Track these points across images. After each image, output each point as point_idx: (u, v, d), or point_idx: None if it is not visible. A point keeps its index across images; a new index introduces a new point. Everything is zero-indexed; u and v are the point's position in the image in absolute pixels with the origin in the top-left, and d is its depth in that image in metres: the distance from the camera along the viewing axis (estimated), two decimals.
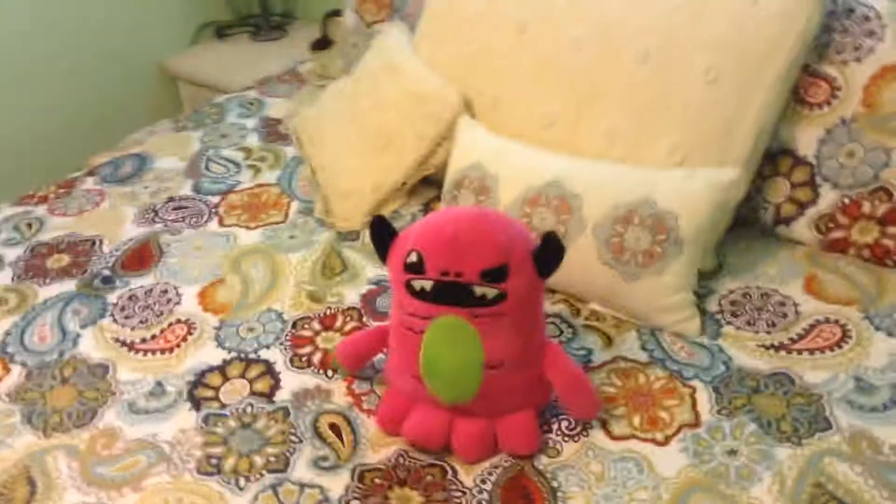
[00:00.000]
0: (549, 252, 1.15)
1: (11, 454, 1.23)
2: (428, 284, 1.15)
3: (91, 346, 1.43)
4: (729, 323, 1.39)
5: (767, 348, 1.33)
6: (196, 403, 1.30)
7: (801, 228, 1.55)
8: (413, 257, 1.16)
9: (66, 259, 1.66)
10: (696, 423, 1.20)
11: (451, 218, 1.20)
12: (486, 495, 1.12)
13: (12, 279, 1.61)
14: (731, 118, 1.48)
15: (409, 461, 1.18)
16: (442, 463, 1.18)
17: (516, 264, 1.14)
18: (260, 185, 1.89)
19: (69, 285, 1.59)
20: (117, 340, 1.44)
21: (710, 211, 1.39)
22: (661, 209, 1.38)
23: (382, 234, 1.23)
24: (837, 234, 1.52)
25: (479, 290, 1.13)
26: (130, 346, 1.43)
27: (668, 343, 1.36)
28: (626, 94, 1.57)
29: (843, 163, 1.50)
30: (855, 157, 1.49)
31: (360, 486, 1.15)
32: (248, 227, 1.75)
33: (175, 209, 1.82)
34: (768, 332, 1.36)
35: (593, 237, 1.41)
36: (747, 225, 1.60)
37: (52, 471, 1.19)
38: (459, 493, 1.13)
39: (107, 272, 1.62)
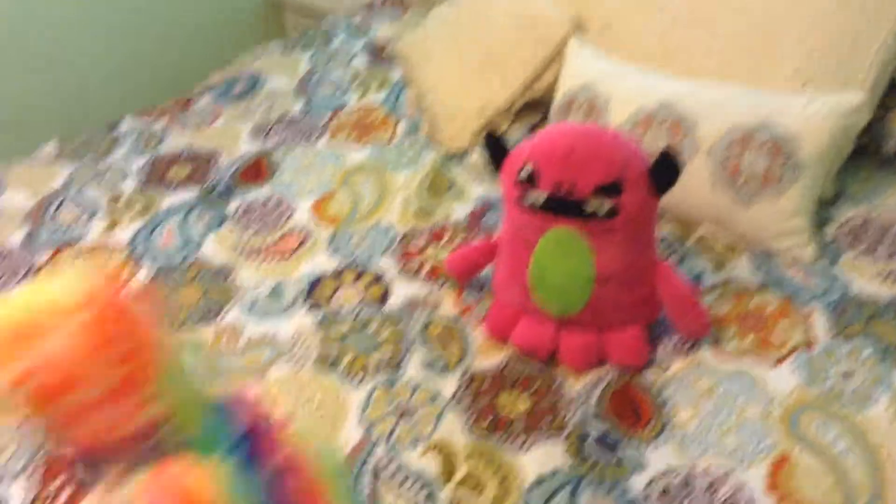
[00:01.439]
0: (666, 168, 1.14)
1: None
2: (541, 198, 1.16)
3: (213, 251, 1.50)
4: (848, 250, 1.36)
5: (886, 277, 1.29)
6: (312, 306, 1.35)
7: None
8: (527, 170, 1.17)
9: (186, 170, 1.74)
10: (810, 345, 1.18)
11: (566, 132, 1.20)
12: (592, 404, 1.14)
13: (137, 187, 1.70)
14: (860, 42, 1.42)
15: (517, 368, 1.21)
16: (549, 371, 1.20)
17: (631, 180, 1.13)
18: (367, 106, 1.92)
19: (190, 194, 1.66)
20: (237, 247, 1.51)
21: (832, 136, 1.34)
22: (781, 133, 1.34)
23: (495, 148, 1.24)
24: None
25: (591, 205, 1.13)
26: (249, 253, 1.49)
27: (783, 267, 1.34)
28: (746, 14, 1.52)
29: None
30: None
31: (470, 388, 1.18)
32: (356, 146, 1.78)
33: (286, 127, 1.87)
34: (888, 260, 1.32)
35: (708, 159, 1.39)
36: (868, 153, 1.54)
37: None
38: (566, 401, 1.15)
39: (225, 184, 1.68)
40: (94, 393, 0.63)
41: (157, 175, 1.73)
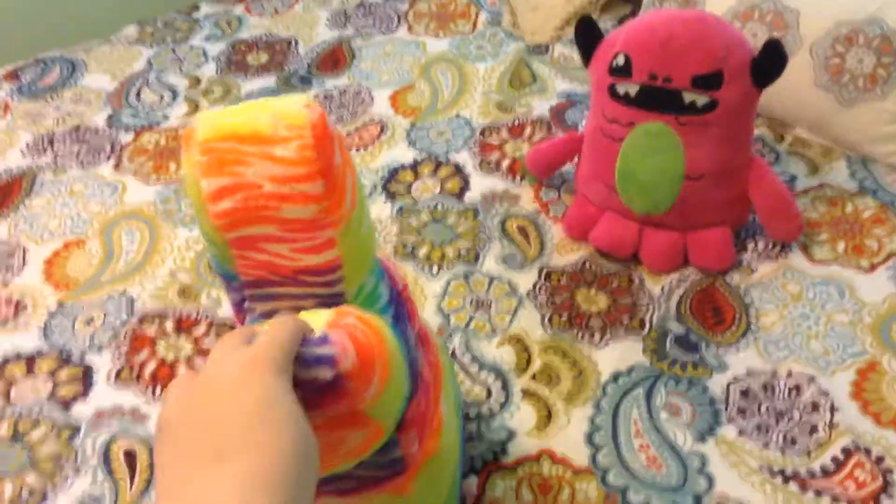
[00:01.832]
0: (771, 61, 1.08)
1: None
2: (633, 88, 1.11)
3: None
4: None
5: None
6: (390, 196, 1.35)
7: None
8: (620, 59, 1.12)
9: (264, 57, 1.73)
10: None
11: (665, 19, 1.13)
12: (674, 303, 1.12)
13: (216, 72, 1.70)
14: None
15: (596, 266, 1.19)
16: (629, 271, 1.18)
17: (732, 72, 1.07)
18: None
19: (269, 80, 1.65)
20: None
21: None
22: (890, 28, 1.25)
23: (588, 35, 1.18)
24: None
25: (688, 97, 1.08)
26: None
27: (882, 174, 1.27)
28: None
29: None
30: None
31: (547, 283, 1.17)
32: (436, 35, 1.74)
33: (365, 14, 1.82)
34: None
35: (810, 56, 1.30)
36: None
37: None
38: (647, 300, 1.13)
39: (303, 71, 1.67)
40: (289, 224, 0.61)
41: (236, 61, 1.72)
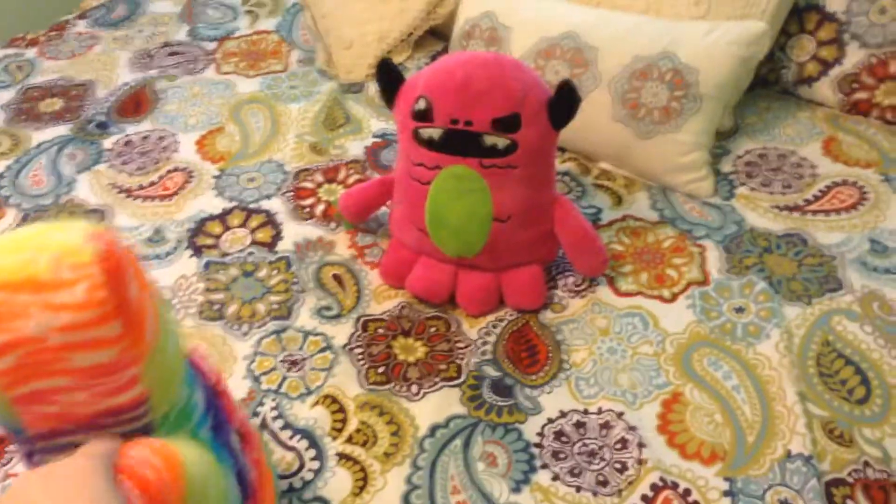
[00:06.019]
0: (565, 101, 1.10)
1: None
2: (436, 132, 1.10)
3: (88, 191, 1.39)
4: (743, 184, 1.36)
5: (781, 209, 1.30)
6: (197, 250, 1.28)
7: (824, 89, 1.49)
8: (421, 104, 1.11)
9: (59, 103, 1.61)
10: (704, 281, 1.18)
11: (462, 62, 1.13)
12: (489, 347, 1.12)
13: (5, 122, 1.56)
14: None
15: (413, 313, 1.17)
16: (446, 315, 1.17)
17: (529, 114, 1.09)
18: (258, 32, 1.81)
19: (63, 129, 1.54)
20: (114, 186, 1.40)
21: (732, 66, 1.32)
22: (681, 63, 1.31)
23: (390, 78, 1.17)
24: (861, 95, 1.46)
25: (489, 140, 1.08)
26: (128, 192, 1.39)
27: (680, 202, 1.33)
28: None
29: (873, 20, 1.43)
30: (887, 14, 1.42)
31: (364, 334, 1.14)
32: (246, 76, 1.68)
33: (170, 55, 1.74)
34: (783, 194, 1.33)
35: (609, 92, 1.35)
36: (767, 85, 1.54)
37: None
38: (463, 345, 1.12)
39: (102, 117, 1.56)
40: (84, 372, 0.53)
41: (27, 109, 1.59)
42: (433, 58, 1.69)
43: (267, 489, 0.76)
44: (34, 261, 0.51)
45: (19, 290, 0.50)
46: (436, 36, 1.73)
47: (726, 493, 0.92)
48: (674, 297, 1.16)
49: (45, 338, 0.51)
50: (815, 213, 1.29)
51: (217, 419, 0.70)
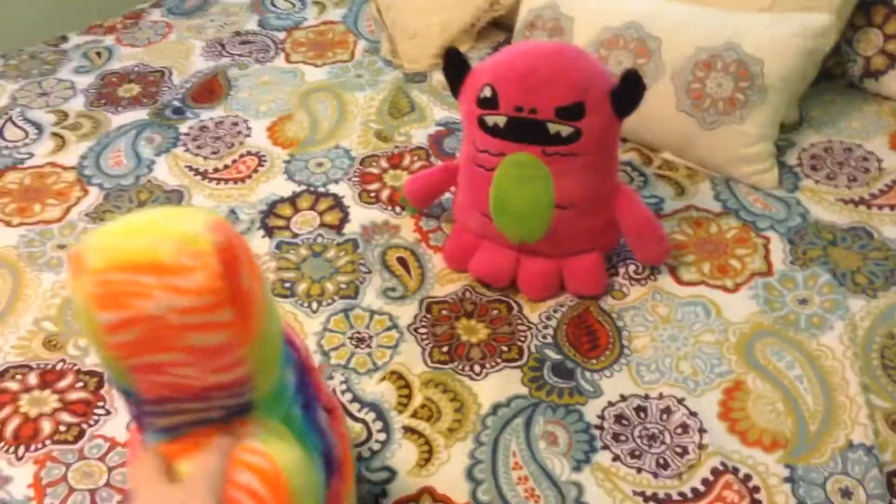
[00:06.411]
0: (629, 90, 1.11)
1: None
2: (501, 120, 1.12)
3: (165, 173, 1.45)
4: (808, 176, 1.35)
5: (846, 203, 1.30)
6: (268, 231, 1.32)
7: (891, 82, 1.47)
8: (487, 92, 1.13)
9: (136, 89, 1.67)
10: (767, 272, 1.19)
11: (527, 52, 1.15)
12: (550, 331, 1.14)
13: (85, 105, 1.63)
14: None
15: (475, 296, 1.20)
16: (507, 299, 1.19)
17: (593, 102, 1.10)
18: (325, 23, 1.86)
19: (141, 114, 1.60)
20: (190, 168, 1.46)
21: (797, 58, 1.32)
22: (746, 54, 1.31)
23: (456, 66, 1.19)
24: None
25: (553, 128, 1.10)
26: (203, 175, 1.45)
27: (743, 194, 1.33)
28: None
29: None
30: None
31: (428, 315, 1.17)
32: (314, 65, 1.72)
33: (242, 43, 1.79)
34: (848, 187, 1.32)
35: (672, 83, 1.36)
36: (833, 78, 1.53)
37: None
38: (524, 328, 1.15)
39: (177, 103, 1.62)
40: (197, 350, 0.58)
41: (106, 93, 1.66)
42: (495, 48, 1.71)
43: (348, 462, 0.80)
44: (158, 246, 0.55)
45: (144, 272, 0.55)
46: (498, 27, 1.75)
47: (787, 480, 0.94)
48: (737, 288, 1.17)
49: (163, 317, 0.56)
50: (881, 207, 1.28)
51: (307, 397, 0.74)
